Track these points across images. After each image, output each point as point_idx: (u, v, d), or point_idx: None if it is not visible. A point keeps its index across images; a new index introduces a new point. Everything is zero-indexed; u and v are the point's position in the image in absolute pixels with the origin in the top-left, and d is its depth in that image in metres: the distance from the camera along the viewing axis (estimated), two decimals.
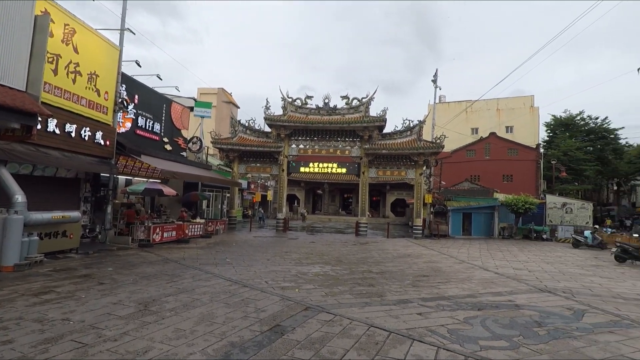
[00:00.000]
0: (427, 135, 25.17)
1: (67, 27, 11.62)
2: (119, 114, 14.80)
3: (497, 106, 47.92)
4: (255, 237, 19.60)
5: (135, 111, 16.89)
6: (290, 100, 24.23)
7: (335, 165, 24.32)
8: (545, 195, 28.02)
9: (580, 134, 42.18)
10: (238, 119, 26.92)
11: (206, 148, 25.72)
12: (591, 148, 40.80)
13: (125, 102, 14.82)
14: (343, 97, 23.99)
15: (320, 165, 24.47)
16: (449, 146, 31.00)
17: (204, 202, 24.40)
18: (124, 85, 15.19)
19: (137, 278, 8.43)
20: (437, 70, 27.72)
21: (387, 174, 23.97)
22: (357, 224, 23.67)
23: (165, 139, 19.53)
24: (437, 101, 32.06)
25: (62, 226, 10.88)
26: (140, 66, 17.67)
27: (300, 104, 24.25)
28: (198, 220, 18.74)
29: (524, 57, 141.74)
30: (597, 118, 42.57)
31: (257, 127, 25.07)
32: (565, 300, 7.74)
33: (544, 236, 23.54)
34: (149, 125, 18.02)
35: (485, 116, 47.79)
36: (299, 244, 17.10)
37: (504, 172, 38.78)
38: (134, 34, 15.59)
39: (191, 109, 23.75)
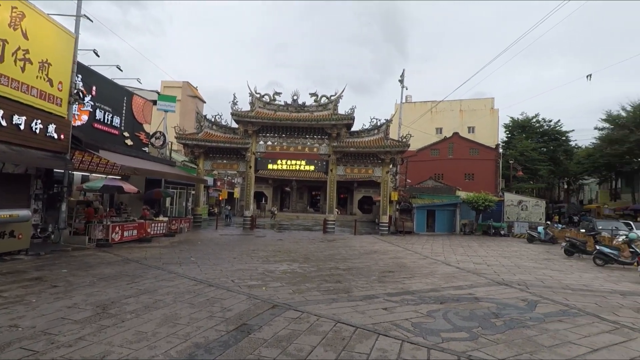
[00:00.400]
0: (393, 134, 25.66)
1: (14, 10, 10.83)
2: (74, 106, 13.99)
3: (460, 107, 49.68)
4: (221, 235, 19.23)
5: (92, 103, 16.03)
6: (258, 96, 23.92)
7: (303, 162, 24.29)
8: (503, 193, 29.41)
9: (536, 135, 44.61)
10: (204, 114, 26.17)
11: (170, 143, 24.86)
12: (545, 149, 43.28)
13: (81, 94, 14.03)
14: (312, 95, 23.98)
15: (289, 162, 24.34)
16: (414, 145, 31.81)
17: (168, 200, 23.64)
18: (80, 76, 14.36)
19: (94, 280, 8.03)
20: (404, 70, 28.30)
21: (354, 171, 24.25)
22: (325, 221, 23.80)
23: (126, 134, 18.70)
24: (404, 101, 32.79)
25: (9, 226, 10.15)
26: (98, 56, 16.75)
27: (268, 100, 24.00)
28: (161, 218, 18.13)
29: (485, 60, 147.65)
30: (550, 121, 45.23)
31: (224, 123, 24.56)
32: (520, 292, 8.16)
33: (502, 232, 24.71)
34: (107, 119, 17.17)
35: (449, 116, 49.42)
36: (266, 242, 16.96)
37: (466, 171, 40.30)
38: (92, 21, 14.77)
39: (154, 102, 22.85)
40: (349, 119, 22.75)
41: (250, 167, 23.83)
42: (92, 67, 16.49)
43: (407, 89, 29.39)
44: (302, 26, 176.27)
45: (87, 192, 15.54)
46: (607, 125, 34.26)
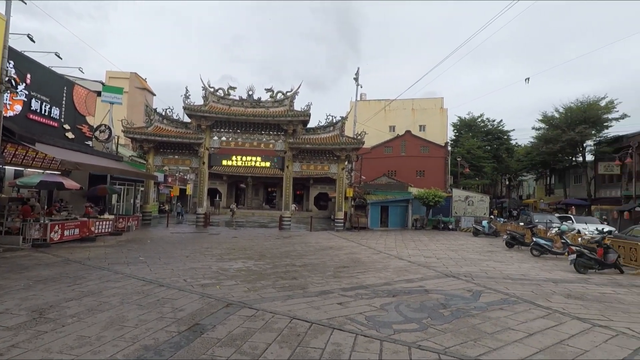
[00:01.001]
0: (349, 131, 26.06)
1: None
2: (5, 94, 12.74)
3: (412, 106, 51.47)
4: (172, 234, 18.51)
5: (27, 92, 14.69)
6: (212, 90, 23.23)
7: (259, 158, 23.98)
8: (451, 189, 30.96)
9: (481, 134, 47.30)
10: (154, 107, 24.94)
11: (116, 137, 23.45)
12: (489, 147, 46.04)
13: (13, 81, 12.78)
14: (267, 90, 23.69)
15: (244, 158, 23.92)
16: (369, 142, 32.53)
17: (114, 197, 22.30)
18: (11, 62, 13.08)
19: (30, 282, 7.41)
20: (358, 69, 28.84)
21: (310, 168, 24.35)
22: (281, 217, 23.70)
23: (67, 126, 17.37)
24: (359, 99, 33.36)
25: None
26: (33, 41, 15.35)
27: (222, 95, 23.39)
28: (106, 216, 17.09)
29: (436, 60, 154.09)
30: (494, 121, 48.17)
31: (175, 117, 23.60)
32: (466, 283, 8.66)
33: (450, 226, 26.03)
34: (45, 110, 15.82)
35: (402, 115, 51.04)
36: (220, 240, 16.56)
37: (418, 168, 41.92)
38: (25, 2, 13.51)
39: (98, 93, 21.42)
40: (305, 115, 22.78)
41: (203, 163, 23.12)
42: (26, 53, 15.11)
43: (361, 87, 30.02)
44: (257, 20, 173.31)
45: (21, 188, 14.25)
46: (542, 125, 37.08)
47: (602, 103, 32.56)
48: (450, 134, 50.49)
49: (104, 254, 11.43)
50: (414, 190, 29.15)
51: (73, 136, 17.71)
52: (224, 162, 24.32)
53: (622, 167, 29.76)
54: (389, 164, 42.14)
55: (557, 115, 35.18)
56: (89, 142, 19.40)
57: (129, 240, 15.30)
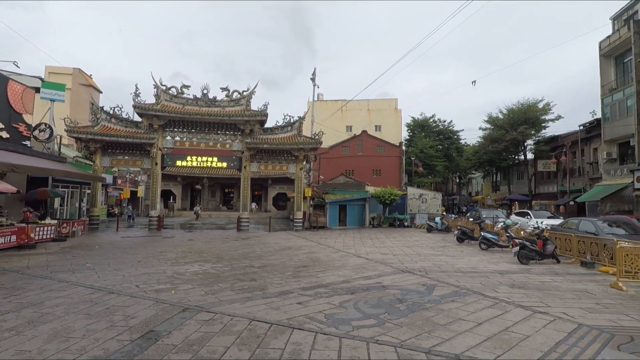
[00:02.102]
0: (306, 131, 26.15)
1: None
2: None
3: (368, 106, 52.59)
4: (123, 238, 17.57)
5: None
6: (164, 88, 22.31)
7: (215, 159, 23.39)
8: (406, 188, 32.04)
9: (433, 134, 49.39)
10: (101, 105, 23.56)
11: (59, 137, 21.81)
12: (440, 147, 48.19)
13: None
14: (223, 89, 23.18)
15: (199, 158, 23.23)
16: (326, 142, 32.81)
17: (57, 200, 20.75)
18: None
19: None
20: (315, 69, 29.02)
21: (268, 168, 24.15)
22: (239, 219, 23.28)
23: (0, 125, 15.91)
24: (316, 99, 33.56)
25: None
26: None
27: (175, 93, 22.54)
28: (48, 221, 15.88)
29: (391, 62, 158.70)
30: (445, 121, 50.49)
31: (125, 116, 22.40)
32: (421, 278, 9.00)
33: (406, 223, 26.93)
34: None
35: (358, 115, 52.00)
36: (175, 243, 15.97)
37: (374, 167, 42.92)
38: None
39: (37, 90, 19.80)
40: (263, 115, 22.55)
41: (156, 163, 22.16)
42: None
43: (318, 88, 30.26)
44: (207, 15, 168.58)
45: None
46: (488, 125, 39.47)
47: (540, 105, 35.23)
48: (405, 134, 52.28)
49: (46, 262, 10.61)
50: (371, 189, 29.83)
51: (8, 135, 16.26)
52: (178, 163, 23.45)
53: (558, 165, 32.36)
54: (346, 163, 42.78)
55: (501, 116, 37.58)
56: (27, 142, 17.89)
57: (74, 246, 14.33)
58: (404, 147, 45.39)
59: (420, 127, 49.82)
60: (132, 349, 4.42)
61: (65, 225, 17.22)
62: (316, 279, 8.83)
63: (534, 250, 11.34)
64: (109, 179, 27.31)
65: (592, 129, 28.15)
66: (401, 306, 6.46)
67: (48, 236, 15.17)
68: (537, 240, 11.59)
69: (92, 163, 22.29)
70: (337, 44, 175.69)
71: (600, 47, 25.00)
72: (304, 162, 24.80)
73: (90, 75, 43.98)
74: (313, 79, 28.91)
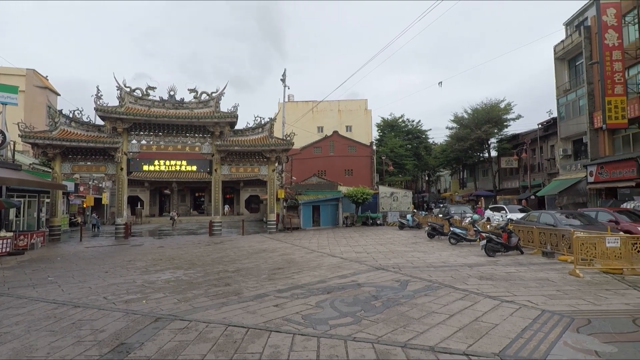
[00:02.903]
0: (278, 133, 26.05)
1: None
2: None
3: (338, 107, 53.00)
4: (88, 248, 16.82)
5: None
6: (128, 90, 21.55)
7: (184, 162, 22.83)
8: (378, 187, 32.53)
9: (402, 134, 50.45)
10: (59, 108, 22.38)
11: (12, 143, 20.57)
12: (410, 146, 49.28)
13: None
14: (191, 91, 22.68)
15: (167, 163, 22.59)
16: (298, 143, 32.80)
17: (12, 211, 19.54)
18: None
19: None
20: (285, 70, 28.90)
21: (240, 170, 23.86)
22: (211, 223, 22.85)
23: None
24: (287, 100, 33.47)
25: None
26: None
27: (140, 95, 21.83)
28: (3, 233, 14.96)
29: (360, 63, 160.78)
30: (413, 121, 51.68)
31: (86, 119, 21.45)
32: (395, 274, 9.19)
33: (378, 222, 27.35)
34: None
35: (329, 116, 52.30)
36: (144, 251, 15.46)
37: (346, 167, 43.29)
38: None
39: None
40: (233, 116, 22.25)
41: (121, 169, 21.37)
42: None
43: (289, 89, 30.21)
44: (171, 14, 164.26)
45: None
46: (454, 125, 40.76)
47: (502, 105, 36.77)
48: (375, 134, 53.07)
49: (2, 277, 10.00)
50: (343, 189, 30.08)
51: None
52: (145, 168, 22.71)
53: (519, 161, 33.94)
54: (318, 164, 42.90)
55: (466, 115, 38.91)
56: None
57: (33, 259, 13.57)
58: (374, 147, 46.05)
59: (390, 127, 50.74)
60: None
61: (22, 237, 16.30)
62: (292, 280, 8.82)
63: (499, 243, 11.84)
64: (70, 186, 26.03)
65: (550, 128, 29.71)
66: (376, 303, 6.57)
67: (4, 250, 14.31)
68: (503, 234, 12.11)
69: (50, 170, 21.17)
70: (306, 45, 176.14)
71: (555, 50, 26.43)
72: (276, 164, 24.68)
73: (47, 76, 41.73)
74: (283, 80, 28.81)
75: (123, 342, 4.95)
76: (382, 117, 52.25)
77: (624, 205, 16.70)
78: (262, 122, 24.00)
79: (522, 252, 12.05)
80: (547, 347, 4.43)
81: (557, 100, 26.18)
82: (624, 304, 6.16)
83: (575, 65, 25.10)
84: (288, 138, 23.62)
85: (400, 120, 51.34)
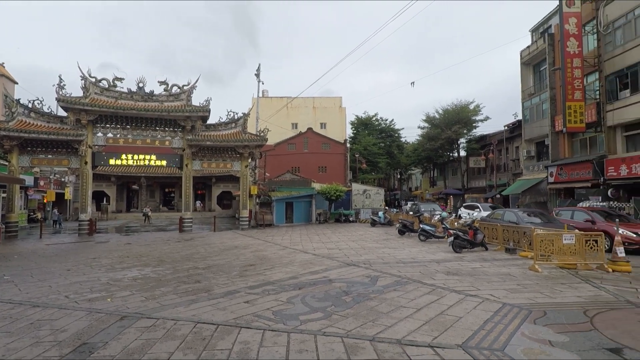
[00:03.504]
0: (251, 128, 25.77)
1: None
2: None
3: (313, 104, 53.02)
4: (48, 245, 16.07)
5: None
6: (93, 80, 20.66)
7: (153, 157, 22.18)
8: (351, 184, 32.87)
9: (376, 132, 51.09)
10: (16, 97, 21.20)
11: None
12: (383, 144, 50.00)
13: None
14: (161, 83, 22.04)
15: (136, 157, 21.86)
16: (272, 139, 32.59)
17: None
18: None
19: None
20: (259, 65, 28.66)
21: (212, 166, 23.45)
22: (181, 219, 22.35)
23: None
24: (261, 95, 33.16)
25: None
26: None
27: (107, 86, 20.99)
28: None
29: (335, 60, 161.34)
30: (387, 120, 52.42)
31: (47, 110, 20.42)
32: (365, 270, 9.34)
33: (351, 219, 27.66)
34: None
35: (304, 112, 52.23)
36: (110, 248, 14.94)
37: (320, 164, 43.43)
38: None
39: None
40: (205, 111, 21.80)
41: (86, 162, 20.51)
42: None
43: (263, 84, 29.93)
44: (141, 3, 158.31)
45: None
46: (426, 124, 41.74)
47: (471, 106, 37.98)
48: (349, 131, 53.48)
49: None
50: (317, 186, 30.19)
51: None
52: (112, 162, 21.89)
53: (487, 161, 35.20)
54: (292, 160, 42.79)
55: (437, 116, 39.91)
56: None
57: None
58: (348, 145, 46.42)
59: (364, 125, 51.27)
60: None
61: None
62: (263, 276, 8.79)
63: (466, 239, 12.27)
64: (28, 180, 24.73)
65: (515, 130, 30.98)
66: (347, 298, 6.67)
67: None
68: (469, 231, 12.55)
69: (7, 163, 20.00)
70: (282, 41, 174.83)
71: (521, 55, 27.54)
72: (249, 160, 24.43)
73: (2, 63, 39.32)
74: (257, 75, 28.52)
75: (85, 341, 4.79)
76: (356, 115, 52.71)
77: (580, 205, 17.70)
78: (236, 117, 23.67)
79: (486, 249, 12.54)
80: (507, 337, 4.66)
81: (522, 103, 27.33)
82: (577, 297, 6.56)
83: (540, 71, 26.28)
84: (262, 134, 23.42)
85: (374, 118, 51.97)
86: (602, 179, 18.81)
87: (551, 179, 22.62)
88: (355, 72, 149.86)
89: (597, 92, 20.08)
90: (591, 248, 9.17)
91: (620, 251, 8.97)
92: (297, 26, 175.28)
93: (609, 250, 10.11)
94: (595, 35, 20.34)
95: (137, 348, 4.54)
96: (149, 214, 30.94)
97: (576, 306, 5.99)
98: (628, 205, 16.83)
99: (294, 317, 5.64)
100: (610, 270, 8.70)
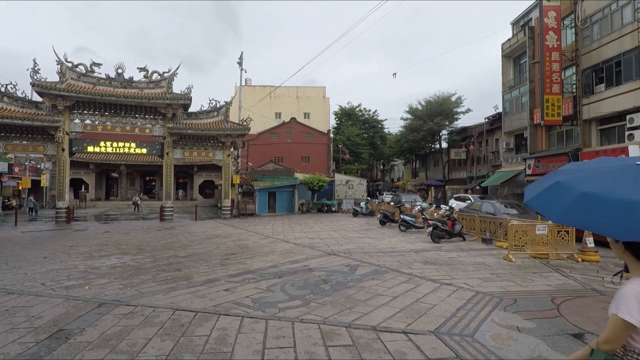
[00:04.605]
0: (234, 117, 25.47)
1: None
2: None
3: (297, 94, 52.65)
4: (24, 233, 15.66)
5: None
6: (70, 65, 20.00)
7: (133, 145, 21.73)
8: (334, 174, 33.03)
9: (359, 123, 51.23)
10: None
11: None
12: (366, 135, 50.23)
13: None
14: (141, 69, 21.52)
15: (115, 144, 21.38)
16: (255, 129, 32.29)
17: None
18: None
19: None
20: (242, 52, 28.29)
21: (194, 155, 23.15)
22: (162, 208, 22.08)
23: None
24: (244, 84, 32.73)
25: None
26: None
27: (84, 71, 20.36)
28: None
29: (320, 50, 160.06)
30: (370, 110, 52.59)
31: (20, 95, 19.68)
32: (345, 259, 9.50)
33: (333, 209, 27.85)
34: None
35: (287, 102, 51.84)
36: (88, 236, 14.68)
37: (303, 154, 43.38)
38: None
39: None
40: (186, 98, 21.43)
41: (63, 149, 19.95)
42: None
43: (246, 72, 29.61)
44: None
45: None
46: (409, 116, 42.10)
47: (453, 98, 38.47)
48: (333, 122, 53.45)
49: None
50: (299, 176, 30.19)
51: None
52: (90, 149, 21.36)
53: (467, 153, 35.83)
54: (275, 150, 42.59)
55: (420, 107, 40.29)
56: None
57: None
58: (331, 135, 46.45)
59: (347, 116, 51.31)
60: (37, 351, 4.09)
61: None
62: (244, 265, 8.84)
63: (444, 230, 12.56)
64: (2, 166, 23.93)
65: (495, 122, 31.59)
66: (326, 286, 6.80)
67: None
68: (447, 221, 12.85)
69: None
70: (264, 28, 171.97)
71: (502, 48, 27.96)
72: (232, 149, 24.21)
73: None
74: (240, 63, 28.07)
75: (62, 328, 4.77)
76: (339, 106, 52.66)
77: None
78: (218, 106, 23.36)
79: (464, 239, 12.88)
80: (477, 324, 4.86)
81: (503, 96, 27.85)
82: (546, 285, 6.87)
83: (520, 64, 26.76)
84: (244, 123, 23.21)
85: (358, 109, 52.05)
86: None
87: (529, 171, 23.25)
88: (339, 62, 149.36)
89: (574, 86, 20.63)
90: (562, 239, 9.55)
91: (589, 241, 9.38)
92: (279, 14, 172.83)
93: None
94: (573, 30, 20.79)
95: (114, 334, 4.55)
96: (139, 202, 30.23)
97: (545, 294, 6.28)
98: None
99: (273, 304, 5.73)
100: (579, 260, 9.10)
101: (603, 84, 19.02)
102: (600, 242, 9.53)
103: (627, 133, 16.36)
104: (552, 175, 2.12)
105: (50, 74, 19.61)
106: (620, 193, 1.72)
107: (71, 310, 5.47)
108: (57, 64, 19.64)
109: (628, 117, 16.56)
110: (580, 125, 20.08)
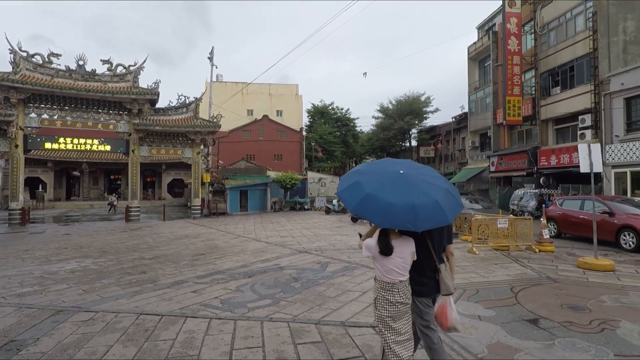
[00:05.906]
0: (204, 114, 24.94)
1: None
2: None
3: (269, 91, 52.15)
4: None
5: None
6: (25, 54, 18.84)
7: (96, 141, 20.78)
8: (307, 172, 33.02)
9: (332, 121, 51.35)
10: None
11: None
12: (339, 133, 50.46)
13: None
14: (104, 62, 20.60)
15: (76, 141, 20.36)
16: (226, 126, 31.74)
17: None
18: None
19: None
20: (213, 48, 27.62)
21: (161, 152, 22.45)
22: (127, 208, 21.27)
23: None
24: (214, 79, 32.07)
25: None
26: None
27: (41, 62, 19.24)
28: None
29: (292, 46, 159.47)
30: (342, 109, 52.84)
31: None
32: (317, 257, 9.51)
33: (306, 207, 27.85)
34: None
35: (259, 99, 51.25)
36: (46, 239, 13.93)
37: (275, 152, 43.03)
38: None
39: None
40: (153, 93, 20.72)
41: (16, 146, 18.79)
42: None
43: (217, 68, 29.03)
44: None
45: None
46: (380, 115, 42.70)
47: (422, 98, 39.35)
48: (305, 119, 53.35)
49: None
50: (272, 174, 29.96)
51: None
52: (48, 145, 20.24)
53: (436, 151, 36.81)
54: (247, 148, 42.01)
55: (391, 106, 40.93)
56: None
57: None
58: (304, 133, 46.34)
59: (320, 114, 51.34)
60: None
61: None
62: (213, 265, 8.67)
63: None
64: None
65: (462, 121, 32.62)
66: (296, 284, 6.78)
67: None
68: None
69: None
70: (236, 23, 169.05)
71: (468, 51, 28.86)
72: (202, 147, 23.68)
73: None
74: (211, 58, 27.49)
75: (13, 339, 4.48)
76: (312, 104, 52.67)
77: (517, 192, 19.11)
78: (187, 102, 22.75)
79: None
80: None
81: (469, 96, 28.78)
82: (507, 275, 7.17)
83: (485, 66, 27.74)
84: (215, 120, 22.75)
85: (330, 107, 52.17)
86: (535, 168, 20.43)
87: (492, 168, 24.18)
88: (313, 60, 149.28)
89: (533, 88, 21.64)
90: (521, 231, 10.02)
91: (545, 233, 9.91)
92: (252, 9, 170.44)
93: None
94: (533, 35, 21.79)
95: (72, 343, 4.33)
96: (115, 202, 28.06)
97: (505, 284, 6.55)
98: (556, 191, 18.47)
99: (242, 304, 5.65)
100: (537, 250, 9.60)
101: (559, 87, 20.07)
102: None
103: (579, 132, 17.34)
104: (355, 175, 3.06)
105: (2, 64, 18.45)
106: (387, 195, 2.65)
107: (24, 320, 5.16)
108: (10, 53, 18.42)
109: (580, 117, 17.58)
110: (538, 125, 21.08)
